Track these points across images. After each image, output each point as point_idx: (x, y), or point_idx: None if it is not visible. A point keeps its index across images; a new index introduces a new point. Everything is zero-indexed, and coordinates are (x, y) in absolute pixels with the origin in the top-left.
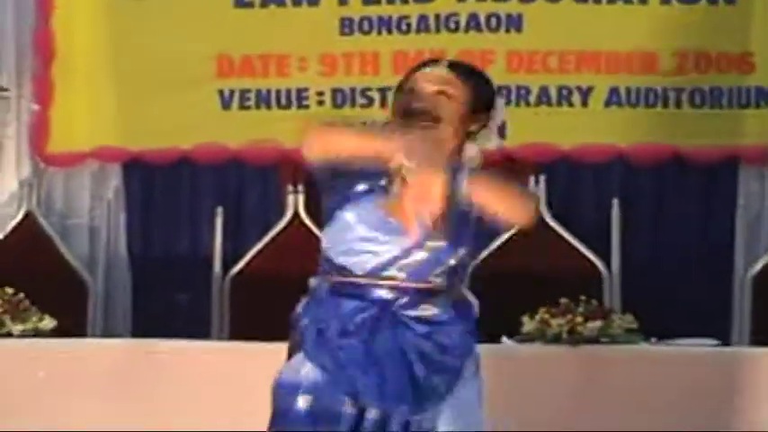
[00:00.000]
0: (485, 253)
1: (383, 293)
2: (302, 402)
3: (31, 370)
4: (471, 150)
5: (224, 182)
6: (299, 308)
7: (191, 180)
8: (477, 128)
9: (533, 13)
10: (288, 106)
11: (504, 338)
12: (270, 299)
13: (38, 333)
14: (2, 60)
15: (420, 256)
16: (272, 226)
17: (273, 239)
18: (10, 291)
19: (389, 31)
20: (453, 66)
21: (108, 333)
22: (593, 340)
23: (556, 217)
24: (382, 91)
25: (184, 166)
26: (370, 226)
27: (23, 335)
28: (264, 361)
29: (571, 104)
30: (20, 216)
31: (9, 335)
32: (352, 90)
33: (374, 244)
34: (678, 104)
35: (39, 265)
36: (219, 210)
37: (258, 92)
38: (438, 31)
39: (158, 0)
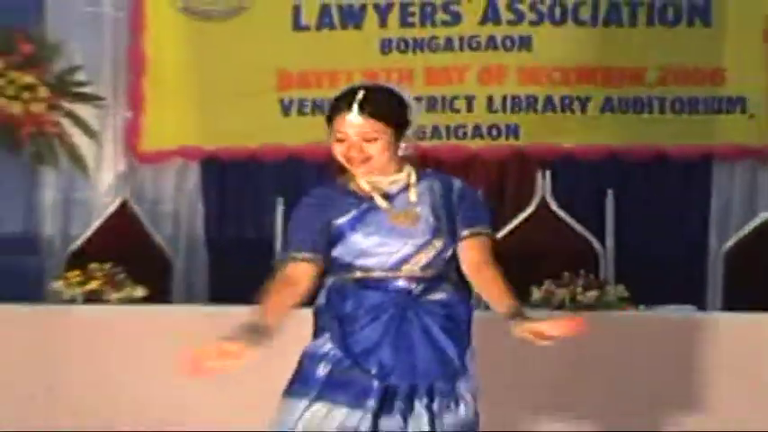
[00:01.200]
0: (502, 234)
1: (401, 283)
2: (322, 370)
3: (125, 331)
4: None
5: (284, 176)
6: (321, 302)
7: (256, 174)
8: (407, 136)
9: (541, 35)
10: None
11: None
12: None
13: (131, 300)
14: (100, 74)
15: (428, 252)
16: None
17: None
18: (108, 266)
19: (422, 50)
20: (363, 105)
21: (188, 301)
22: (591, 307)
23: (560, 205)
24: (416, 100)
25: (251, 163)
26: (381, 235)
27: (120, 302)
28: None
29: (572, 111)
30: (116, 204)
31: (108, 302)
32: None
33: (388, 247)
34: (662, 111)
35: (132, 245)
36: (280, 200)
37: (313, 100)
38: (462, 50)
39: (231, 24)
